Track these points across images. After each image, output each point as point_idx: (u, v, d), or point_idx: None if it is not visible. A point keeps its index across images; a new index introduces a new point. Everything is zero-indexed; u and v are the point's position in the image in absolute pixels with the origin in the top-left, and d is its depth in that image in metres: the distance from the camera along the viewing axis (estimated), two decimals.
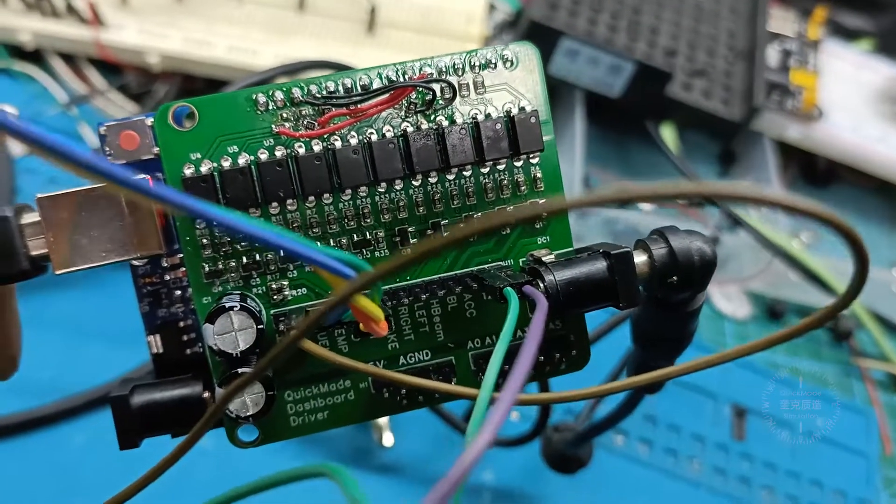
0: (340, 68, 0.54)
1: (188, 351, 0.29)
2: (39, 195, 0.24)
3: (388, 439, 0.47)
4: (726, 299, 0.61)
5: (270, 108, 0.27)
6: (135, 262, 0.28)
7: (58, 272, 0.24)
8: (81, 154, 0.17)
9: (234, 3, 0.63)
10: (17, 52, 0.61)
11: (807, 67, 0.70)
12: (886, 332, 0.59)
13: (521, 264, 0.29)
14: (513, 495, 0.47)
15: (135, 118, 0.27)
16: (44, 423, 0.44)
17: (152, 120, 0.27)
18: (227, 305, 0.24)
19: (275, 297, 0.27)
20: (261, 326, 0.25)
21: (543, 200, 0.29)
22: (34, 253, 0.24)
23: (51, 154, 0.17)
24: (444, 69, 0.28)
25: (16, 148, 0.56)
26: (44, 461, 0.44)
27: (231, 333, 0.24)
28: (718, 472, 0.50)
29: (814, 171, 0.71)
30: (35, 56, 0.61)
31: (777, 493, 0.50)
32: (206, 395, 0.26)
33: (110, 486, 0.25)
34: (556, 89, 0.65)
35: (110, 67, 0.62)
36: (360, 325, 0.25)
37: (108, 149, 0.27)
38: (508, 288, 0.25)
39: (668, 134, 0.65)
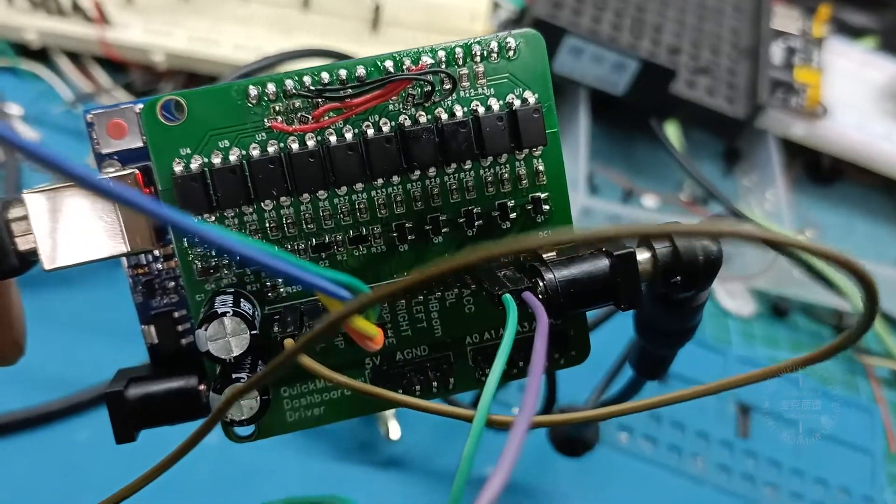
0: (338, 57, 0.53)
1: (183, 341, 0.28)
2: (26, 191, 0.24)
3: (394, 432, 0.46)
4: (731, 297, 0.60)
5: (262, 100, 0.26)
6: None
7: (46, 268, 0.24)
8: (46, 154, 0.17)
9: (240, 2, 0.63)
10: (24, 50, 0.61)
11: (811, 65, 0.70)
12: (891, 329, 0.59)
13: (521, 259, 0.28)
14: (517, 489, 0.47)
15: (123, 105, 0.26)
16: (49, 420, 0.44)
17: (141, 107, 0.26)
18: (219, 311, 0.24)
19: (269, 294, 0.27)
20: (255, 332, 0.24)
21: (549, 232, 0.28)
22: (22, 248, 0.24)
23: (20, 153, 0.17)
24: (443, 59, 0.27)
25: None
26: (49, 457, 0.44)
27: (224, 339, 0.24)
28: (723, 469, 0.50)
29: (818, 168, 0.71)
30: (41, 54, 0.61)
31: (781, 490, 0.50)
32: (202, 387, 0.26)
33: (115, 481, 0.25)
34: (561, 87, 0.65)
35: (115, 66, 0.62)
36: (353, 339, 0.24)
37: (95, 137, 0.26)
38: (507, 295, 0.24)
39: (672, 132, 0.65)
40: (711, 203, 0.65)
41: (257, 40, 0.61)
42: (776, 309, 0.61)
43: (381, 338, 0.24)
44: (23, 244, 0.24)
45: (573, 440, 0.42)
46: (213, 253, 0.26)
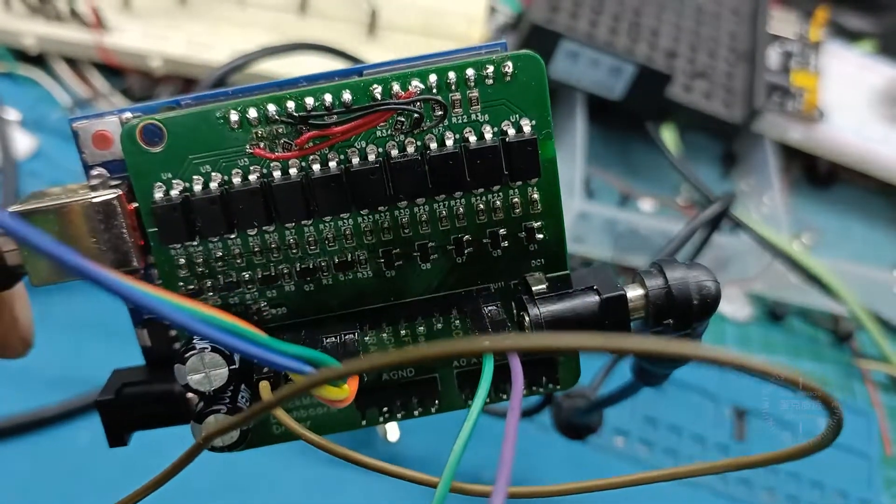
0: (326, 50, 0.53)
1: (176, 345, 0.29)
2: (12, 208, 0.24)
3: (392, 434, 0.46)
4: (727, 301, 0.61)
5: (244, 125, 0.25)
6: None
7: (34, 285, 0.24)
8: None
9: (237, 6, 0.63)
10: (21, 55, 0.61)
11: (808, 69, 0.70)
12: (887, 333, 0.59)
13: (512, 286, 0.28)
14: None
15: (107, 115, 0.26)
16: (50, 423, 0.45)
17: (128, 115, 0.26)
18: (198, 347, 0.24)
19: (255, 317, 0.27)
20: (233, 367, 0.24)
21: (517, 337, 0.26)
22: (10, 264, 0.24)
23: None
24: (434, 84, 0.25)
25: (20, 150, 0.56)
26: (50, 460, 0.44)
27: (203, 373, 0.24)
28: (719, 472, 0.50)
29: (815, 172, 0.71)
30: (39, 60, 0.62)
31: (778, 493, 0.50)
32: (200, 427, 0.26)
33: (116, 484, 0.25)
34: (557, 92, 0.65)
35: (113, 71, 0.62)
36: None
37: (83, 147, 0.26)
38: (487, 355, 0.23)
39: (669, 136, 0.65)
40: (708, 205, 0.65)
41: (255, 45, 0.61)
42: (773, 313, 0.61)
43: (351, 395, 0.23)
44: (11, 259, 0.24)
45: (577, 425, 0.43)
46: (198, 273, 0.26)
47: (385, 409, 0.28)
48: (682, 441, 0.51)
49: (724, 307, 0.60)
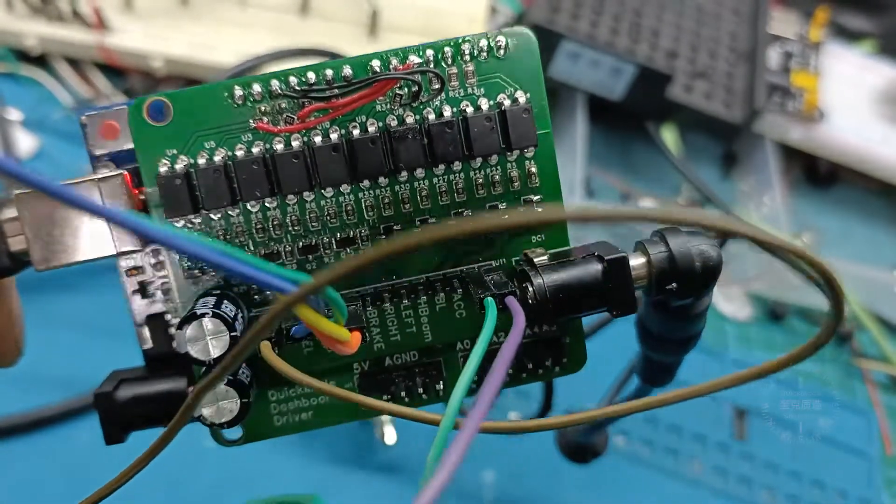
0: (330, 56, 0.54)
1: (175, 344, 0.29)
2: (17, 191, 0.24)
3: (390, 437, 0.47)
4: (728, 301, 0.61)
5: (248, 101, 0.26)
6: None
7: (38, 269, 0.24)
8: (15, 167, 0.17)
9: (238, 7, 0.63)
10: (23, 56, 0.61)
11: (808, 69, 0.70)
12: (887, 333, 0.59)
13: (514, 263, 0.28)
14: (515, 493, 0.47)
15: (116, 107, 0.26)
16: (51, 422, 0.45)
17: None
18: (198, 312, 0.24)
19: (256, 296, 0.27)
20: (234, 333, 0.24)
21: (522, 209, 0.27)
22: (14, 249, 0.24)
23: None
24: (431, 58, 0.26)
25: (22, 150, 0.56)
26: (51, 459, 0.44)
27: (203, 341, 0.24)
28: (719, 472, 0.50)
29: (816, 172, 0.71)
30: (41, 60, 0.62)
31: (778, 493, 0.50)
32: (191, 389, 0.26)
33: None
34: (558, 92, 0.65)
35: (115, 71, 0.62)
36: (324, 345, 0.23)
37: (89, 139, 0.27)
38: (489, 298, 0.24)
39: (669, 136, 0.65)
40: (709, 207, 0.65)
41: (256, 45, 0.61)
42: (773, 312, 0.61)
43: (355, 341, 0.23)
44: (14, 245, 0.24)
45: (582, 447, 0.42)
46: None
47: (388, 396, 0.28)
48: (683, 440, 0.51)
49: (725, 307, 0.60)
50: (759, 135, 0.67)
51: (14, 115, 0.58)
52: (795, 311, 0.61)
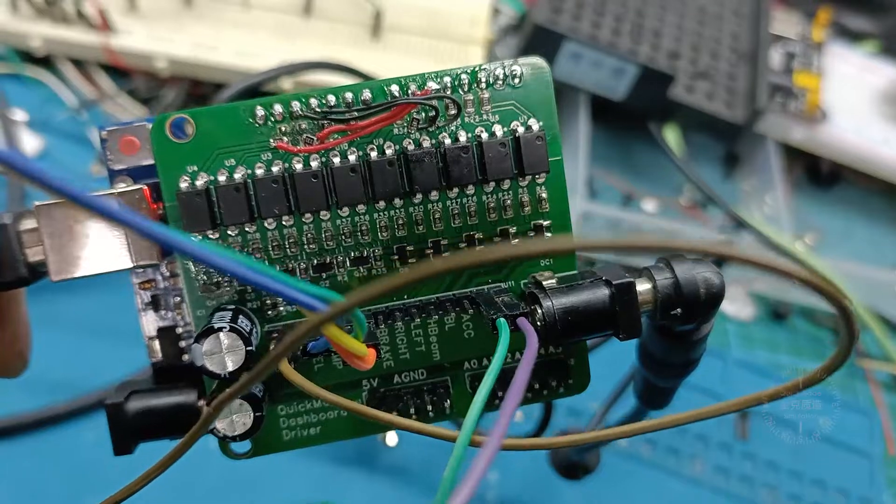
0: (342, 69, 0.54)
1: (186, 356, 0.29)
2: (37, 203, 0.24)
3: (391, 439, 0.47)
4: (730, 301, 0.61)
5: (269, 121, 0.26)
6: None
7: (54, 279, 0.24)
8: (49, 178, 0.17)
9: (242, 8, 0.63)
10: (28, 57, 0.62)
11: (810, 69, 0.70)
12: (890, 333, 0.59)
13: (522, 286, 0.28)
14: (515, 496, 0.47)
15: (136, 123, 0.27)
16: (55, 422, 0.45)
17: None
18: (215, 326, 0.24)
19: (269, 311, 0.27)
20: (250, 348, 0.24)
21: (531, 240, 0.28)
22: (32, 260, 0.24)
23: (24, 178, 0.17)
24: (448, 85, 0.27)
25: (27, 151, 0.56)
26: (55, 459, 0.44)
27: (219, 354, 0.24)
28: (721, 471, 0.51)
29: (818, 172, 0.71)
30: (45, 61, 0.62)
31: (780, 492, 0.50)
32: (201, 402, 0.26)
33: (120, 483, 0.25)
34: (560, 92, 0.65)
35: (119, 72, 0.62)
36: (344, 359, 0.24)
37: (109, 153, 0.27)
38: (501, 319, 0.24)
39: (671, 136, 0.66)
40: (711, 207, 0.65)
41: (259, 46, 0.61)
42: (776, 312, 0.61)
43: (371, 357, 0.24)
44: (32, 255, 0.24)
45: (574, 463, 0.42)
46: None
47: (396, 413, 0.28)
48: (685, 440, 0.52)
49: (728, 306, 0.60)
50: (761, 135, 0.67)
51: (19, 115, 0.58)
52: (798, 311, 0.61)
